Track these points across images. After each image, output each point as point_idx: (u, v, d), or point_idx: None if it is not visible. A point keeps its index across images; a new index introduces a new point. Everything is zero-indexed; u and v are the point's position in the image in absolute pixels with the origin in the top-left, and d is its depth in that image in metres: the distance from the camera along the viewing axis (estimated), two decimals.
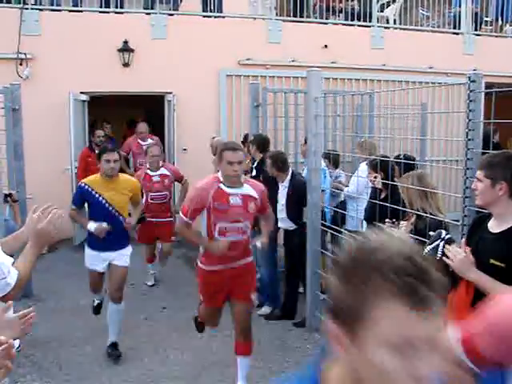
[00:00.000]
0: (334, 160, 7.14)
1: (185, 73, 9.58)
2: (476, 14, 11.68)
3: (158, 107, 10.26)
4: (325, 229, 5.86)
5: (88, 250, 5.49)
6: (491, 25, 12.33)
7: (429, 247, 3.20)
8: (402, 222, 4.43)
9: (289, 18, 10.57)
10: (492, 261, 2.80)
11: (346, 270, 1.11)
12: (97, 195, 5.34)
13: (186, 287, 7.36)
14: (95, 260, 5.44)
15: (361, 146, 6.77)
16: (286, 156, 6.38)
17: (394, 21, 11.64)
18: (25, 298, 6.55)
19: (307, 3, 10.76)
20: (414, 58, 10.53)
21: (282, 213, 6.17)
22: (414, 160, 5.53)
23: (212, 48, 9.65)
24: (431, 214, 4.13)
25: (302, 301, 6.29)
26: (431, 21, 12.15)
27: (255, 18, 10.44)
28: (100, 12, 9.63)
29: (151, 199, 7.09)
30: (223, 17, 10.14)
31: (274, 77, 10.00)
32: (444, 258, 3.01)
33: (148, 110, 12.08)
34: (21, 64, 9.03)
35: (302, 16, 10.55)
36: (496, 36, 11.94)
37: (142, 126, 9.24)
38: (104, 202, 5.33)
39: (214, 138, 8.28)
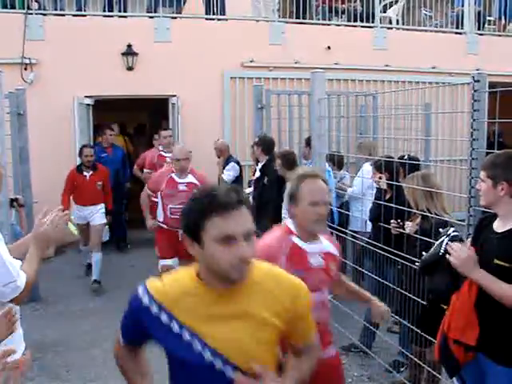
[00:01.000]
0: (338, 161, 7.14)
1: (188, 75, 9.60)
2: (479, 13, 11.66)
3: (163, 110, 10.28)
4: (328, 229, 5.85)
5: None
6: (494, 24, 12.32)
7: (436, 242, 3.22)
8: (407, 223, 4.43)
9: (291, 20, 10.58)
10: (496, 261, 2.79)
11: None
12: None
13: None
14: None
15: (360, 148, 6.80)
16: (295, 155, 6.42)
17: (397, 21, 11.63)
18: (32, 301, 6.58)
19: (310, 5, 10.77)
20: (417, 58, 10.52)
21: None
22: (418, 161, 5.54)
23: (215, 50, 9.67)
24: (436, 215, 4.14)
25: None
26: (434, 21, 12.13)
27: (258, 20, 10.46)
28: (104, 16, 9.67)
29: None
30: (226, 19, 10.16)
31: (277, 78, 10.01)
32: (447, 255, 3.01)
33: (152, 113, 12.11)
34: (25, 69, 9.06)
35: (304, 17, 10.56)
36: (499, 35, 11.92)
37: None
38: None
39: (217, 140, 8.30)
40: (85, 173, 7.53)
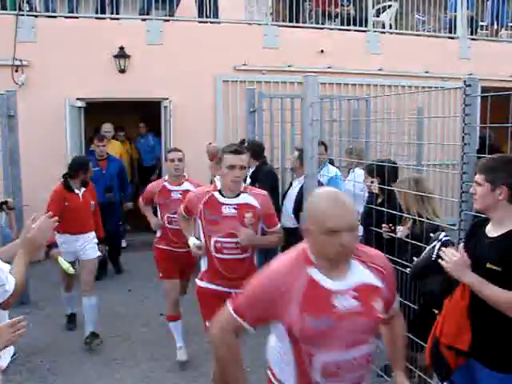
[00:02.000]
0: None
1: (181, 78, 9.57)
2: (472, 18, 11.70)
3: (155, 113, 10.24)
4: None
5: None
6: (487, 29, 12.37)
7: (428, 247, 3.20)
8: (398, 227, 4.42)
9: (285, 24, 10.58)
10: (489, 265, 2.78)
11: None
12: None
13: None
14: None
15: (350, 153, 6.79)
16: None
17: (390, 25, 11.66)
18: (22, 304, 6.52)
19: (303, 8, 10.77)
20: (410, 62, 10.54)
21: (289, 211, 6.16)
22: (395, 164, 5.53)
23: (208, 53, 9.65)
24: (428, 219, 4.13)
25: None
26: (427, 25, 12.18)
27: (251, 24, 10.45)
28: (96, 18, 9.63)
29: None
30: (219, 22, 10.15)
31: (270, 82, 10.00)
32: (439, 260, 3.00)
33: (144, 116, 12.05)
34: (16, 70, 9.01)
35: (297, 21, 10.56)
36: (492, 40, 11.96)
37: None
38: None
39: (210, 144, 8.27)
40: (76, 190, 5.88)
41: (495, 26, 12.19)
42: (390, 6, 11.80)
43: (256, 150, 6.57)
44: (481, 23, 12.31)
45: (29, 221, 2.84)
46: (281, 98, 8.08)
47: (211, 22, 10.07)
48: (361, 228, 5.64)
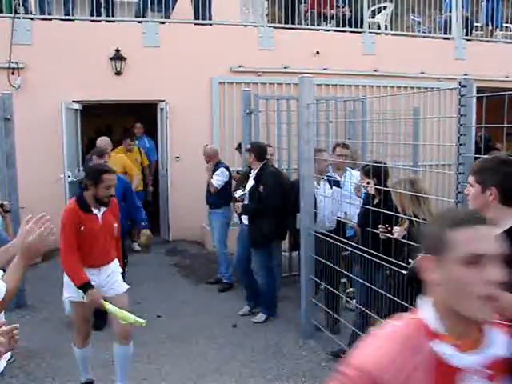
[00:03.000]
0: None
1: (177, 80, 9.58)
2: (467, 19, 11.74)
3: (151, 115, 10.25)
4: (319, 235, 5.84)
5: None
6: (482, 30, 12.41)
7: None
8: (395, 228, 4.43)
9: (280, 25, 10.59)
10: None
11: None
12: None
13: (179, 295, 7.36)
14: None
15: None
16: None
17: (386, 27, 11.68)
18: (18, 308, 6.52)
19: (298, 10, 10.79)
20: (405, 63, 10.57)
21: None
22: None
23: (204, 55, 9.66)
24: (424, 219, 4.14)
25: (296, 306, 6.28)
26: (422, 26, 12.20)
27: (246, 25, 10.46)
28: (91, 21, 9.63)
29: None
30: (214, 24, 10.16)
31: (266, 84, 10.01)
32: None
33: (141, 119, 12.07)
34: (12, 73, 9.00)
35: (293, 23, 10.57)
36: (487, 41, 12.00)
37: None
38: None
39: (206, 145, 8.28)
40: (95, 210, 4.53)
41: (490, 27, 12.25)
42: (385, 7, 11.83)
43: (259, 152, 6.50)
44: (476, 24, 12.36)
45: (24, 224, 2.79)
46: (277, 100, 8.09)
47: (207, 24, 10.07)
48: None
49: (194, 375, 5.17)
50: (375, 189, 5.03)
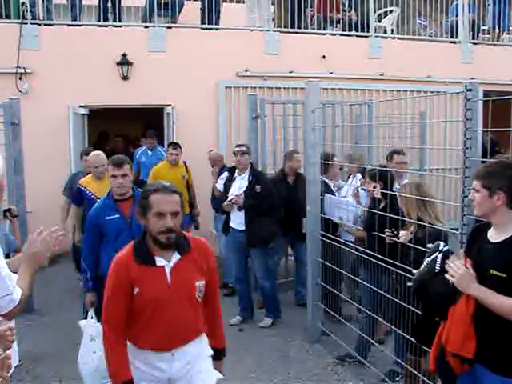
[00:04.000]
0: None
1: (183, 85, 9.60)
2: (473, 22, 11.72)
3: (158, 120, 10.27)
4: (324, 239, 5.83)
5: None
6: (488, 33, 12.38)
7: (427, 259, 3.16)
8: (401, 232, 4.43)
9: (286, 29, 10.61)
10: (492, 271, 2.76)
11: None
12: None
13: None
14: None
15: (349, 158, 6.81)
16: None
17: (392, 31, 11.68)
18: (25, 312, 6.52)
19: (304, 14, 10.80)
20: (411, 67, 10.56)
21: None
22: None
23: (210, 60, 9.68)
24: (430, 223, 4.13)
25: (302, 311, 6.28)
26: (429, 30, 12.20)
27: (253, 30, 10.48)
28: (98, 26, 9.68)
29: None
30: (221, 29, 10.18)
31: (272, 88, 10.00)
32: (445, 274, 2.97)
33: (148, 123, 12.09)
34: (20, 78, 9.06)
35: (299, 27, 10.59)
36: (494, 44, 11.97)
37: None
38: None
39: (211, 150, 8.30)
40: (160, 261, 2.99)
41: (497, 30, 12.21)
42: (391, 11, 11.82)
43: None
44: (482, 27, 12.32)
45: (33, 234, 2.80)
46: (283, 104, 8.09)
47: (213, 29, 10.10)
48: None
49: None
50: (381, 193, 5.03)
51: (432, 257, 3.13)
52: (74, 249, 6.96)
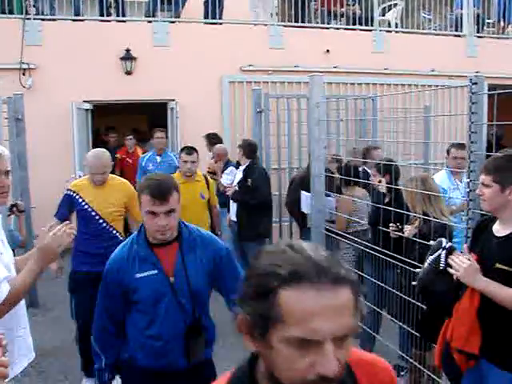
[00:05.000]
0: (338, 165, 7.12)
1: (187, 80, 9.59)
2: (478, 15, 11.65)
3: (162, 115, 10.27)
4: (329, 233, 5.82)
5: None
6: (493, 26, 12.31)
7: (431, 257, 3.14)
8: (406, 226, 4.41)
9: (290, 24, 10.57)
10: (498, 265, 2.75)
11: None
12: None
13: None
14: None
15: (353, 153, 6.82)
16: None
17: (396, 24, 11.63)
18: (30, 307, 6.54)
19: (308, 8, 10.77)
20: (416, 61, 10.51)
21: None
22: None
23: (214, 54, 9.66)
24: (435, 218, 4.12)
25: None
26: (433, 23, 12.13)
27: (256, 24, 10.45)
28: (101, 21, 9.67)
29: None
30: (225, 23, 10.16)
31: (276, 82, 9.99)
32: (448, 268, 2.96)
33: (151, 118, 12.09)
34: (23, 74, 9.06)
35: (303, 21, 10.56)
36: (498, 37, 11.90)
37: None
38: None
39: (215, 145, 8.28)
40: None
41: (502, 23, 12.14)
42: (395, 5, 11.78)
43: (248, 149, 6.83)
44: (487, 20, 12.26)
45: (44, 228, 2.72)
46: (287, 98, 8.09)
47: (217, 23, 10.08)
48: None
49: None
50: (386, 187, 5.01)
51: (435, 254, 3.10)
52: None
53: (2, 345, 1.80)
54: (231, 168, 7.67)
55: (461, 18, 11.53)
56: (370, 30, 10.85)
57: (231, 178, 7.61)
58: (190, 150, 5.94)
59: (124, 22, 9.83)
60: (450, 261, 2.96)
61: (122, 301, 2.90)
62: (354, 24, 10.78)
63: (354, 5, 10.99)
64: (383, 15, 11.64)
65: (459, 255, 2.96)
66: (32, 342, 2.98)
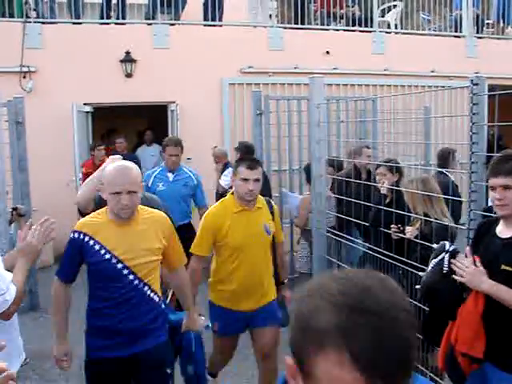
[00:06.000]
0: (338, 166, 7.11)
1: (187, 82, 9.59)
2: (477, 16, 11.66)
3: (162, 117, 10.27)
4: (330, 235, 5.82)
5: None
6: (493, 27, 12.32)
7: (434, 261, 3.11)
8: (407, 228, 4.40)
9: (290, 25, 10.58)
10: (503, 266, 2.72)
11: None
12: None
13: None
14: None
15: (351, 154, 6.81)
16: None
17: (396, 25, 11.63)
18: (31, 310, 6.54)
19: (308, 10, 10.77)
20: (416, 62, 10.52)
21: None
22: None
23: (214, 56, 9.66)
24: (436, 219, 4.11)
25: None
26: (433, 24, 12.14)
27: (256, 26, 10.46)
28: (101, 23, 9.68)
29: None
30: (224, 25, 10.16)
31: (276, 84, 10.00)
32: (452, 274, 2.94)
33: (151, 120, 12.09)
34: (24, 77, 9.06)
35: (302, 23, 10.56)
36: (498, 38, 11.92)
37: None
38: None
39: (215, 147, 8.29)
40: None
41: (501, 24, 12.15)
42: (395, 6, 11.78)
43: (245, 151, 6.88)
44: (487, 21, 12.27)
45: (24, 227, 2.79)
46: (287, 100, 8.07)
47: (217, 26, 10.08)
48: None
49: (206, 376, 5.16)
50: (387, 188, 5.01)
51: (438, 258, 3.07)
52: None
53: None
54: (230, 169, 7.67)
55: (460, 19, 11.53)
56: (370, 32, 10.86)
57: (230, 179, 7.62)
58: (251, 163, 3.98)
59: (124, 24, 9.83)
60: (452, 266, 2.92)
61: None
62: (354, 25, 10.79)
63: (353, 6, 11.00)
64: (383, 16, 11.64)
65: (463, 259, 2.93)
66: (25, 343, 2.98)
